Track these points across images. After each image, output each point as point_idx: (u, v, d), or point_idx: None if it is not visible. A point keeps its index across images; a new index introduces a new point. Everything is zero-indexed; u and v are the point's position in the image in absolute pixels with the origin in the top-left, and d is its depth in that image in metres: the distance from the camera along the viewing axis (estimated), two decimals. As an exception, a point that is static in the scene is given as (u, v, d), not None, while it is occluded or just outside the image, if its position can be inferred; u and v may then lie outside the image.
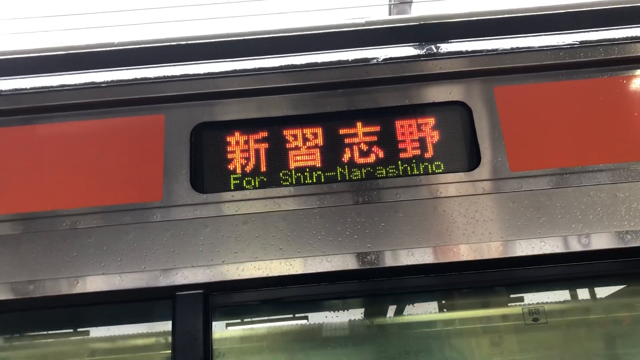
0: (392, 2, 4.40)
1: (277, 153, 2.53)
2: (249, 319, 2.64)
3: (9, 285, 2.35)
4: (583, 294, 2.66)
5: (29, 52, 2.90)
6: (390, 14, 4.48)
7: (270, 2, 4.14)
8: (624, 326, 2.69)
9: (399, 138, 2.53)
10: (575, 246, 2.34)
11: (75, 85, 2.68)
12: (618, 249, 2.35)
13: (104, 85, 2.66)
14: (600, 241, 2.35)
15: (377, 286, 2.46)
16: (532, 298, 2.55)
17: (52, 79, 2.74)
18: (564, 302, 2.66)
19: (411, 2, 4.43)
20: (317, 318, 2.59)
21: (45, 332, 2.68)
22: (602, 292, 2.65)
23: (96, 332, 2.64)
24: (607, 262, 2.43)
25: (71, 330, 2.66)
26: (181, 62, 2.79)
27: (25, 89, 2.70)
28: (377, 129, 2.55)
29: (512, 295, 2.63)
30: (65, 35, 3.82)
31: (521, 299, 2.58)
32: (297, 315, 2.61)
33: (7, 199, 2.49)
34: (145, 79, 2.67)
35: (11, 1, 3.69)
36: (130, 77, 2.68)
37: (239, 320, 2.63)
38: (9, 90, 2.69)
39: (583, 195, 2.40)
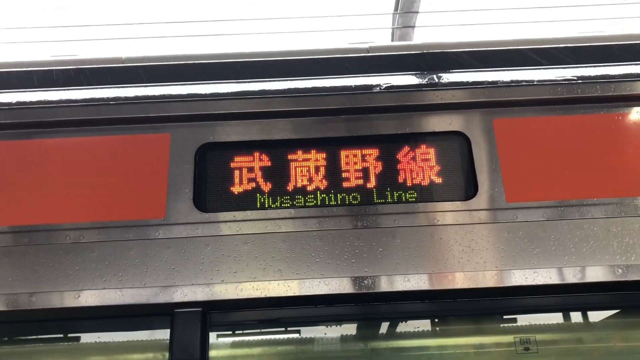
0: (395, 26, 4.49)
1: (279, 175, 2.59)
2: (246, 338, 2.68)
3: (10, 297, 2.39)
4: (574, 324, 2.70)
5: (34, 65, 2.95)
6: (393, 38, 4.57)
7: (274, 23, 4.22)
8: (613, 357, 2.74)
9: (399, 165, 2.59)
10: (568, 278, 2.39)
11: (85, 100, 2.72)
12: (609, 282, 2.40)
13: (112, 102, 2.71)
14: (592, 274, 2.40)
15: (373, 310, 2.51)
16: (524, 327, 2.60)
17: (65, 94, 2.78)
18: (555, 332, 2.70)
19: (414, 26, 4.52)
20: (312, 339, 2.63)
21: (40, 343, 2.71)
22: (593, 323, 2.70)
23: (93, 344, 2.67)
24: (599, 295, 2.48)
25: (67, 342, 2.68)
26: (187, 82, 2.84)
27: (33, 102, 2.75)
28: (377, 155, 2.60)
29: (504, 324, 2.68)
30: (72, 47, 3.89)
31: (513, 328, 2.63)
32: (293, 336, 2.65)
33: (12, 211, 2.53)
34: (153, 97, 2.72)
35: (21, 13, 3.75)
36: (138, 95, 2.73)
37: (236, 339, 2.67)
38: (16, 104, 2.73)
39: (577, 229, 2.46)
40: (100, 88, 2.81)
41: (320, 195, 2.55)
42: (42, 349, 2.69)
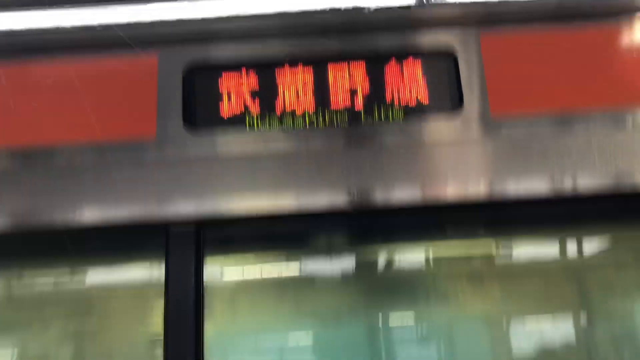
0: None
1: (269, 95, 2.59)
2: (240, 255, 2.75)
3: (6, 216, 2.41)
4: (556, 237, 2.79)
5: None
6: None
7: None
8: (597, 273, 2.83)
9: (387, 83, 2.60)
10: (553, 189, 2.45)
11: (74, 25, 2.70)
12: (594, 193, 2.46)
13: (98, 28, 2.68)
14: (577, 184, 2.45)
15: (364, 224, 2.57)
16: (509, 237, 2.69)
17: (54, 18, 2.74)
18: (541, 245, 2.79)
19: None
20: (304, 254, 2.71)
21: (38, 260, 2.76)
22: (576, 232, 2.79)
23: (89, 261, 2.73)
24: (582, 206, 2.55)
25: (63, 259, 2.73)
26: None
27: (18, 28, 2.71)
28: (365, 73, 2.61)
29: (491, 236, 2.76)
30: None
31: (499, 238, 2.71)
32: (286, 250, 2.72)
33: (5, 133, 2.54)
34: (139, 20, 2.69)
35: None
36: (125, 14, 2.70)
37: (230, 254, 2.74)
38: (4, 29, 2.70)
39: (559, 142, 2.51)
40: (85, 7, 2.76)
41: (310, 114, 2.57)
42: (40, 266, 2.75)
